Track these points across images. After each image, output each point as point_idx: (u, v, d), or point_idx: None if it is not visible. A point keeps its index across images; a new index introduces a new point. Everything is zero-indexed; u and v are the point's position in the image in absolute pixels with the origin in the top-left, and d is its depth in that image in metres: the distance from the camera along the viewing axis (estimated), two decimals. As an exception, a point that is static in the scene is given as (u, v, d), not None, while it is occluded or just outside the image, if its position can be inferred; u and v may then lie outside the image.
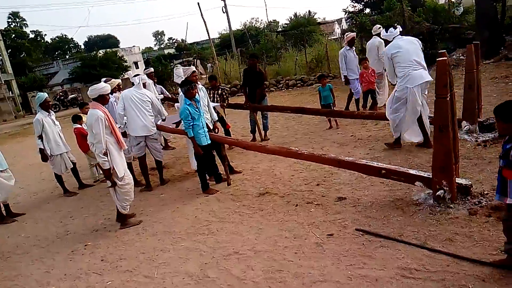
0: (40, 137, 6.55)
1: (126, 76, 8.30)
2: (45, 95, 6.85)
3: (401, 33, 5.80)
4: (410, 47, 5.50)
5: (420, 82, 5.37)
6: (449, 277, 2.81)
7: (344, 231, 3.77)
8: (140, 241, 4.49)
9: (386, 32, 5.80)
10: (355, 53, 9.02)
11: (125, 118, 6.25)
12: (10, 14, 61.07)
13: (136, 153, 6.43)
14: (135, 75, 6.63)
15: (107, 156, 4.65)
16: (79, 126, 7.31)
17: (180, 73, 6.67)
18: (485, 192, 3.89)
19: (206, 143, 5.59)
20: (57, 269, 4.20)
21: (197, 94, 5.63)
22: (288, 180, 5.50)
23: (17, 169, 9.62)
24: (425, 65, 5.50)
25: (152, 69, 9.08)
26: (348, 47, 8.90)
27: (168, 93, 10.54)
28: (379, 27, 8.58)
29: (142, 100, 6.21)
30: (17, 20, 61.95)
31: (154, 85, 8.91)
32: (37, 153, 6.81)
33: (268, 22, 47.35)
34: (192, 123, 5.41)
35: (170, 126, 6.79)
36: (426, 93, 5.60)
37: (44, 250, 4.80)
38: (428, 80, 5.43)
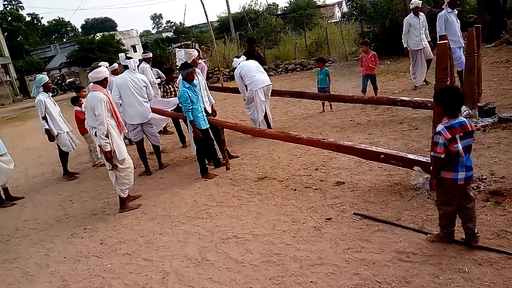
0: (44, 118, 6.52)
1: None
2: (46, 77, 6.84)
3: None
4: (251, 63, 7.11)
5: (261, 85, 6.89)
6: (445, 261, 2.83)
7: (342, 215, 3.79)
8: (139, 225, 4.51)
9: (237, 63, 7.29)
10: (457, 17, 7.71)
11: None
12: (6, -3, 60.30)
13: (133, 138, 6.41)
14: (127, 58, 6.49)
15: (108, 138, 4.64)
16: (78, 108, 7.30)
17: (181, 55, 6.56)
18: (483, 177, 3.90)
19: (205, 127, 5.58)
20: (56, 252, 4.23)
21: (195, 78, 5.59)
22: (287, 165, 5.50)
23: (16, 153, 9.62)
24: (265, 73, 7.17)
25: (150, 54, 8.95)
26: (449, 9, 7.58)
27: (165, 76, 10.44)
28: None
29: (138, 86, 6.13)
30: (13, 2, 61.17)
31: (151, 68, 8.83)
32: (43, 135, 6.77)
33: (268, 5, 46.85)
34: (191, 107, 5.38)
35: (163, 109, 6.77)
36: (269, 95, 7.18)
37: (44, 233, 4.83)
38: (268, 84, 7.00)
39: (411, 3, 8.48)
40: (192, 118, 5.43)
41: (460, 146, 2.79)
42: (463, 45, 7.39)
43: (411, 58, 8.59)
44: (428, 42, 8.42)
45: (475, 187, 3.74)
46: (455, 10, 7.65)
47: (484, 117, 5.68)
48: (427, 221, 3.38)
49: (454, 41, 7.28)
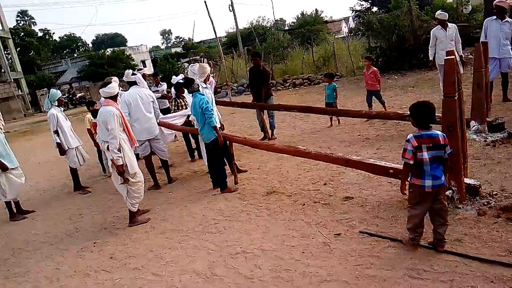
0: (56, 132, 6.64)
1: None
2: (59, 92, 7.02)
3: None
4: None
5: None
6: (457, 278, 2.80)
7: (351, 231, 3.77)
8: (148, 239, 4.53)
9: (175, 81, 7.85)
10: (502, 24, 7.24)
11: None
12: (19, 13, 61.79)
13: (141, 153, 6.43)
14: (133, 74, 6.49)
15: (120, 152, 4.70)
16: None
17: (195, 70, 6.59)
18: (494, 193, 3.87)
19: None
20: (66, 266, 4.25)
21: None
22: (295, 179, 5.51)
23: (27, 167, 9.71)
24: None
25: (145, 71, 9.08)
26: (494, 17, 7.34)
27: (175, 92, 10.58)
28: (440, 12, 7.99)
29: (146, 102, 6.18)
30: (26, 18, 62.62)
31: (157, 85, 9.09)
32: (54, 148, 6.88)
33: (275, 20, 47.36)
34: (211, 114, 5.38)
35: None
36: None
37: (54, 247, 4.86)
38: None
39: (436, 14, 8.18)
40: (215, 124, 5.44)
41: (425, 155, 3.04)
42: (497, 56, 7.15)
43: (439, 72, 8.08)
44: (460, 57, 7.74)
45: (485, 203, 3.71)
46: (504, 20, 7.22)
47: (493, 132, 5.66)
48: (437, 237, 3.35)
49: (490, 51, 6.80)
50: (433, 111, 3.11)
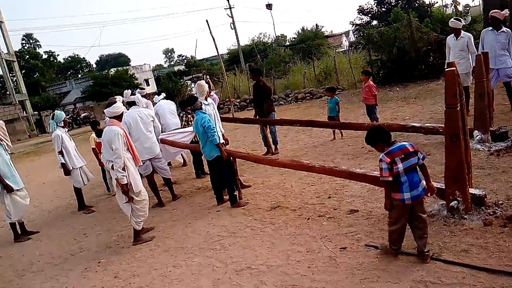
0: (61, 152, 6.69)
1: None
2: (63, 113, 7.08)
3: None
4: (166, 105, 7.96)
5: (173, 128, 7.52)
6: (465, 289, 2.76)
7: (357, 244, 3.74)
8: (153, 257, 4.50)
9: (157, 100, 8.27)
10: (498, 35, 7.07)
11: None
12: (24, 36, 62.93)
13: (143, 173, 6.40)
14: (132, 94, 6.50)
15: (125, 171, 4.71)
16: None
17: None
18: (499, 202, 3.84)
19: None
20: (71, 287, 4.22)
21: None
22: (299, 194, 5.49)
23: (31, 187, 9.75)
24: (177, 117, 7.91)
25: (146, 91, 9.11)
26: (490, 27, 7.24)
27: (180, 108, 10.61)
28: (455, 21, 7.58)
29: (146, 122, 6.21)
30: (31, 41, 63.76)
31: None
32: (58, 168, 6.94)
33: (276, 36, 47.91)
34: (213, 132, 5.41)
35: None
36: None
37: (58, 267, 4.84)
38: (176, 128, 7.52)
39: (449, 22, 7.83)
40: (218, 142, 5.46)
41: (401, 167, 3.12)
42: (494, 67, 6.95)
43: None
44: (473, 67, 7.20)
45: (491, 213, 3.67)
46: (497, 30, 7.06)
47: (497, 142, 5.64)
48: (444, 248, 3.32)
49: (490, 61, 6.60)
50: (383, 129, 3.25)
